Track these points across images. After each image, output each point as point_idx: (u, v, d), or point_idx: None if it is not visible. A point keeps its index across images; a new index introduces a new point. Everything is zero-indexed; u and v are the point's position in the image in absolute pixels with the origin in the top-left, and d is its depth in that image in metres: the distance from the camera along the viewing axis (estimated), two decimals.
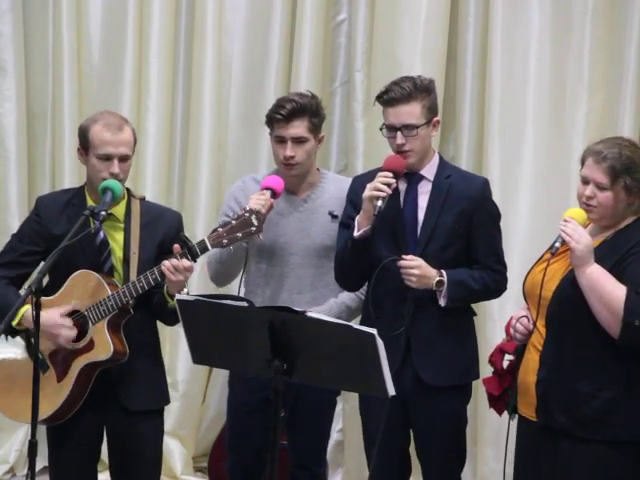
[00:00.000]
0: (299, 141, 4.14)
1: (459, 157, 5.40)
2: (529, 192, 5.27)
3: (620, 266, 3.48)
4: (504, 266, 4.01)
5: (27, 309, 3.72)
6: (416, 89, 3.85)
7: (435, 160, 3.99)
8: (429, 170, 3.96)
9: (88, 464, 3.99)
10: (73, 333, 3.80)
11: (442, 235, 3.90)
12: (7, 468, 5.66)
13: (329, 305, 4.18)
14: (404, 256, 3.84)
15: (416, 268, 3.81)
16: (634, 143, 3.60)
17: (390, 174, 3.80)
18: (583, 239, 3.46)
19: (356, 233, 3.84)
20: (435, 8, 5.30)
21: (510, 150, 5.27)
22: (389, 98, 3.86)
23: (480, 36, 5.36)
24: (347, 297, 4.21)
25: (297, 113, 4.12)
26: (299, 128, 4.13)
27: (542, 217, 5.19)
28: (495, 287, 4.00)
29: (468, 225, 3.92)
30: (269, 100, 5.53)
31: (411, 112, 3.84)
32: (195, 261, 3.75)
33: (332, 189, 4.26)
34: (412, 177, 3.94)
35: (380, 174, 3.81)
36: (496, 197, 5.20)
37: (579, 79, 5.26)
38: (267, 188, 4.01)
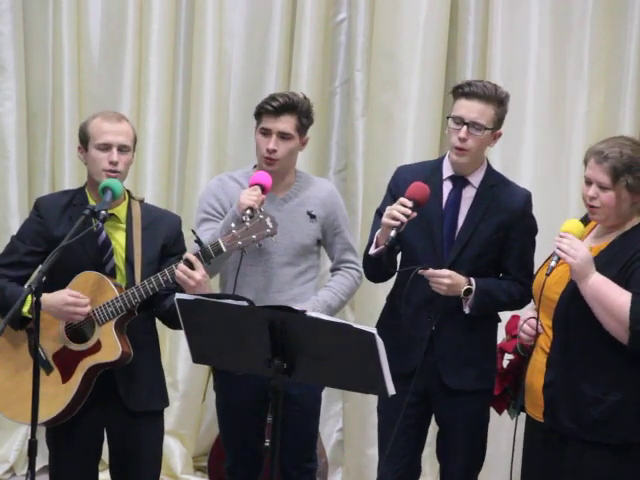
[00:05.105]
0: (284, 137, 4.11)
1: None
2: None
3: (627, 270, 3.48)
4: (532, 280, 3.96)
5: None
6: (496, 94, 3.88)
7: (483, 168, 3.98)
8: (476, 176, 3.95)
9: (89, 464, 3.98)
10: (87, 309, 3.76)
11: (478, 243, 3.89)
12: (7, 467, 5.66)
13: (312, 303, 4.14)
14: (432, 270, 3.81)
15: (446, 277, 3.81)
16: (636, 142, 3.59)
17: (410, 203, 3.73)
18: (580, 253, 3.45)
19: (372, 251, 3.84)
20: (435, 8, 5.30)
21: (510, 150, 5.26)
22: (470, 91, 3.86)
23: (480, 36, 5.36)
24: (327, 295, 4.20)
25: (288, 108, 4.10)
26: (287, 124, 4.10)
27: (542, 217, 5.15)
28: (520, 299, 3.98)
29: (505, 237, 3.92)
30: None
31: (484, 112, 3.85)
32: (209, 263, 3.74)
33: (309, 189, 4.23)
34: (458, 181, 3.94)
35: (400, 201, 3.74)
36: None
37: (579, 78, 5.26)
38: (256, 184, 3.98)
